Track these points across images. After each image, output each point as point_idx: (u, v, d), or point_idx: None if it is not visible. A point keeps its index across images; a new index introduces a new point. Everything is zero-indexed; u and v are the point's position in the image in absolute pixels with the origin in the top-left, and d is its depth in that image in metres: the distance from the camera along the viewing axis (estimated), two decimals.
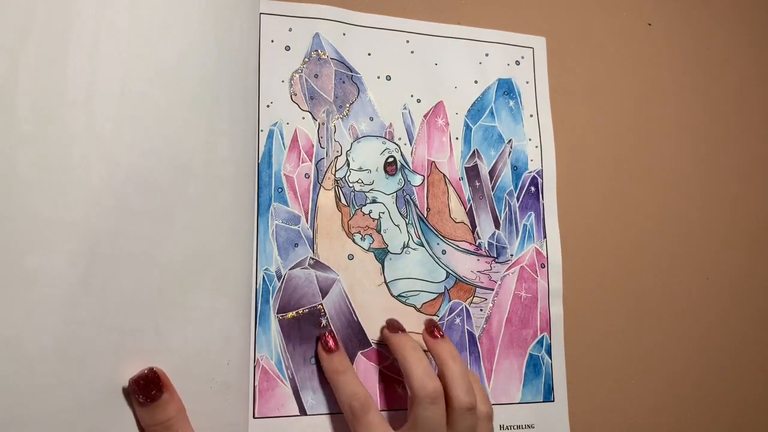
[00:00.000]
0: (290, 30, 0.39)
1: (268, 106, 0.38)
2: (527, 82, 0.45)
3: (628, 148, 0.47)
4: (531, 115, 0.44)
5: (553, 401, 0.40)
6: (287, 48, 0.39)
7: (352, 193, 0.39)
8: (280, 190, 0.37)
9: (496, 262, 0.41)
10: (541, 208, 0.43)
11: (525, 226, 0.42)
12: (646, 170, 0.47)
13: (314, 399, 0.35)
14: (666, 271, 0.46)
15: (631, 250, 0.45)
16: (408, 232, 0.40)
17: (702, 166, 0.48)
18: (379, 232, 0.39)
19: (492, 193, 0.42)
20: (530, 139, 0.44)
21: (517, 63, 0.45)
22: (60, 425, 0.26)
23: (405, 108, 0.41)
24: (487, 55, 0.44)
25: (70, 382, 0.26)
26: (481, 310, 0.40)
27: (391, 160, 0.40)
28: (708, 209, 0.48)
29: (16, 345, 0.25)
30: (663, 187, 0.47)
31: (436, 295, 0.40)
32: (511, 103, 0.44)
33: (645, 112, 0.48)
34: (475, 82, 0.43)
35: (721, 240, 0.47)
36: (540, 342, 0.41)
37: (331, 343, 0.35)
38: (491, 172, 0.42)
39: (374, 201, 0.39)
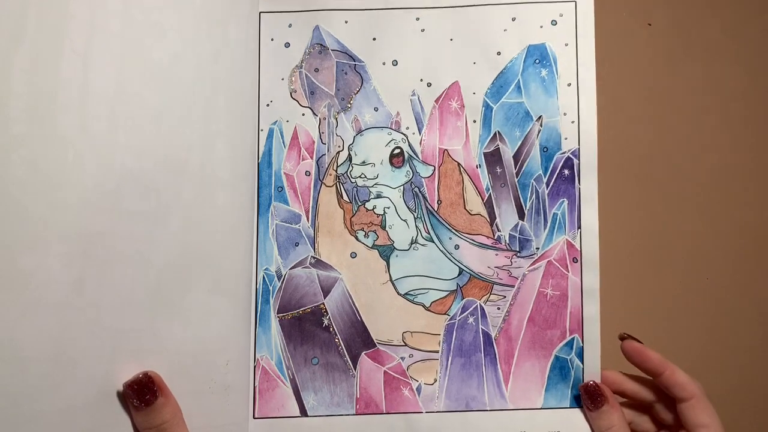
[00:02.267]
0: (290, 26, 0.39)
1: (267, 105, 0.39)
2: (566, 45, 0.39)
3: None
4: (569, 85, 0.39)
5: (582, 407, 0.37)
6: (287, 45, 0.39)
7: (355, 189, 0.39)
8: (280, 189, 0.39)
9: (518, 257, 0.38)
10: (577, 193, 0.39)
11: (555, 215, 0.39)
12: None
13: (315, 400, 0.37)
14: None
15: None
16: (416, 227, 0.39)
17: (702, 165, 0.41)
18: (383, 228, 0.39)
19: (516, 180, 0.39)
20: (565, 114, 0.39)
21: (554, 23, 0.40)
22: (55, 426, 0.28)
23: (414, 94, 0.39)
24: (513, 19, 0.40)
25: (65, 384, 0.29)
26: (499, 308, 0.38)
27: (397, 151, 0.39)
28: (708, 208, 0.40)
29: (10, 346, 0.27)
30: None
31: (446, 293, 0.38)
32: (544, 72, 0.39)
33: (648, 110, 0.41)
34: (498, 53, 0.40)
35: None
36: (569, 344, 0.38)
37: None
38: (516, 156, 0.39)
39: (379, 196, 0.39)
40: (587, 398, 0.36)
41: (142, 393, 0.30)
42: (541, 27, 0.40)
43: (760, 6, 0.45)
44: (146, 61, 0.32)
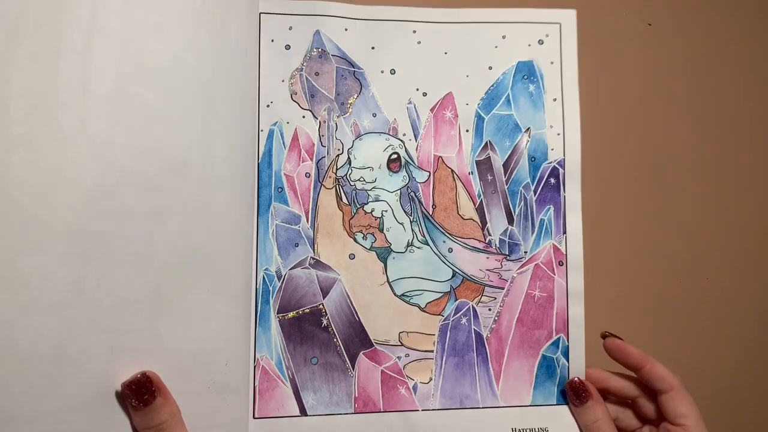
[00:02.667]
0: (290, 28, 0.40)
1: (268, 105, 0.39)
2: (552, 63, 0.42)
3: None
4: (554, 99, 0.42)
5: (568, 404, 0.39)
6: (287, 47, 0.40)
7: (354, 192, 0.40)
8: (280, 189, 0.39)
9: (508, 260, 0.40)
10: (562, 201, 0.41)
11: (542, 221, 0.41)
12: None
13: (315, 399, 0.37)
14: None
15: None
16: (412, 230, 0.40)
17: (701, 165, 0.45)
18: (381, 230, 0.40)
19: (506, 187, 0.41)
20: (552, 126, 0.42)
21: (541, 42, 0.43)
22: (53, 426, 0.28)
23: (410, 102, 0.41)
24: (504, 37, 0.42)
25: (64, 383, 0.28)
26: (490, 309, 0.40)
27: (394, 156, 0.40)
28: (708, 208, 0.44)
29: (9, 345, 0.27)
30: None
31: (441, 295, 0.40)
32: (532, 87, 0.42)
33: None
34: (490, 68, 0.42)
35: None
36: (555, 343, 0.40)
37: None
38: (506, 164, 0.41)
39: (377, 199, 0.40)
40: (573, 394, 0.38)
41: (140, 393, 0.30)
42: (529, 45, 0.42)
43: (761, 6, 0.48)
44: (146, 61, 0.33)
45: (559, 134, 0.42)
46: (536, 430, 0.39)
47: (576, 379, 0.39)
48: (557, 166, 0.41)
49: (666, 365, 0.36)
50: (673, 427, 0.36)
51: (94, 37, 0.31)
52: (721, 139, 0.46)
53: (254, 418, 0.36)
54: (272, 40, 0.40)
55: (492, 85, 0.42)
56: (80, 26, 0.30)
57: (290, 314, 0.38)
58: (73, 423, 0.29)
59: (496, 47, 0.42)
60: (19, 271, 0.28)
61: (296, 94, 0.40)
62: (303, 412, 0.37)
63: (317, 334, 0.38)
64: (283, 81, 0.40)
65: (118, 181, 0.31)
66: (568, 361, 0.40)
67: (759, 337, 0.44)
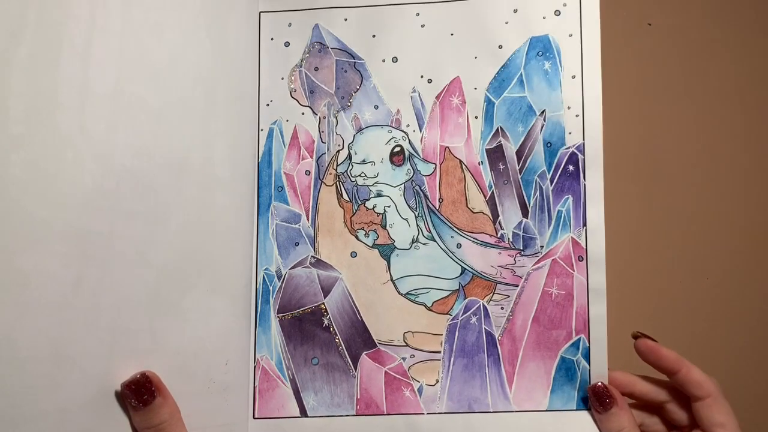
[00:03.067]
0: (290, 25, 0.39)
1: (267, 104, 0.39)
2: (570, 35, 0.39)
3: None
4: (573, 77, 0.38)
5: (590, 409, 0.36)
6: (287, 44, 0.39)
7: (355, 188, 0.39)
8: (280, 188, 0.39)
9: (522, 255, 0.38)
10: (582, 190, 0.38)
11: (560, 212, 0.38)
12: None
13: (315, 400, 0.37)
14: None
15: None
16: (417, 225, 0.38)
17: (702, 165, 0.39)
18: (384, 227, 0.38)
19: (519, 177, 0.38)
20: (569, 108, 0.38)
21: (557, 13, 0.39)
22: (53, 426, 0.29)
23: (414, 91, 0.39)
24: (515, 11, 0.39)
25: (63, 383, 0.29)
26: (503, 308, 0.37)
27: (397, 149, 0.39)
28: (708, 207, 0.39)
29: (8, 346, 0.28)
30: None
31: (449, 293, 0.38)
32: (547, 64, 0.39)
33: (650, 112, 0.40)
34: (500, 47, 0.39)
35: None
36: (575, 345, 0.37)
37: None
38: (519, 152, 0.38)
39: (379, 194, 0.39)
40: (595, 400, 0.35)
41: (139, 393, 0.30)
42: (544, 18, 0.39)
43: (760, 6, 0.44)
44: (146, 61, 0.33)
45: (578, 116, 0.38)
46: None
47: (599, 384, 0.36)
48: (576, 151, 0.38)
49: (708, 368, 0.33)
50: None
51: (94, 37, 0.31)
52: (723, 137, 0.41)
53: (254, 418, 0.37)
54: (272, 39, 0.39)
55: (503, 66, 0.39)
56: (80, 26, 0.31)
57: (290, 314, 0.38)
58: (72, 423, 0.29)
59: (506, 23, 0.39)
60: (19, 271, 0.28)
61: (295, 91, 0.39)
62: (303, 413, 0.37)
63: (318, 334, 0.37)
64: (282, 79, 0.39)
65: (118, 181, 0.31)
66: (589, 364, 0.37)
67: (759, 337, 0.39)
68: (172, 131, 0.34)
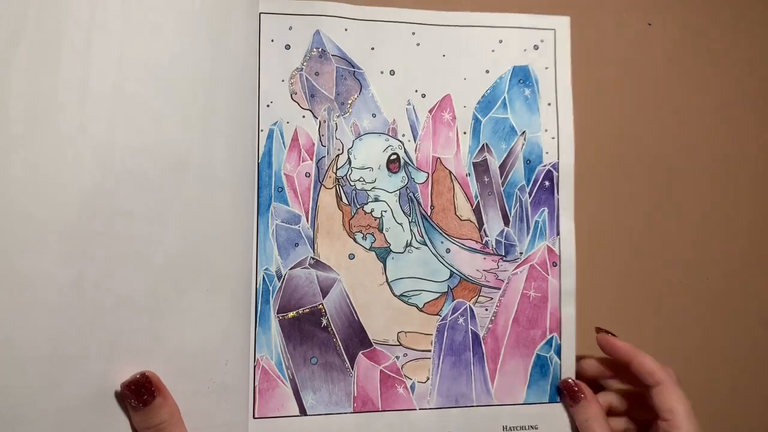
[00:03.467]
0: (290, 28, 0.40)
1: (268, 105, 0.39)
2: (546, 68, 0.43)
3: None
4: (549, 104, 0.43)
5: (559, 402, 0.40)
6: (287, 47, 0.40)
7: (354, 192, 0.40)
8: (280, 189, 0.39)
9: (504, 261, 0.41)
10: (556, 203, 0.42)
11: (537, 222, 0.42)
12: (653, 167, 0.45)
13: (315, 399, 0.38)
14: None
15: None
16: (411, 230, 0.41)
17: (701, 165, 0.46)
18: (381, 231, 0.40)
19: (502, 189, 0.42)
20: (546, 130, 0.43)
21: (536, 48, 0.44)
22: (53, 426, 0.28)
23: (409, 104, 0.41)
24: (500, 41, 0.43)
25: (63, 384, 0.28)
26: (487, 309, 0.41)
27: (394, 157, 0.41)
28: (709, 208, 0.46)
29: (8, 346, 0.27)
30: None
31: (438, 295, 0.40)
32: (527, 91, 0.43)
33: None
34: (487, 71, 0.43)
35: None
36: (549, 343, 0.41)
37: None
38: (502, 167, 0.42)
39: (376, 199, 0.40)
40: (566, 394, 0.39)
41: (139, 393, 0.30)
42: (525, 50, 0.43)
43: (760, 6, 0.48)
44: (146, 61, 0.32)
45: (553, 138, 0.43)
46: (527, 427, 0.40)
47: (569, 380, 0.40)
48: (551, 169, 0.43)
49: (660, 362, 0.37)
50: (662, 423, 0.37)
51: (94, 37, 0.31)
52: (721, 139, 0.47)
53: (254, 418, 0.36)
54: (272, 40, 0.40)
55: (489, 89, 0.43)
56: (80, 26, 0.30)
57: (290, 314, 0.38)
58: (72, 423, 0.29)
59: (492, 51, 0.43)
60: (18, 271, 0.27)
61: (296, 93, 0.40)
62: (303, 412, 0.37)
63: (317, 334, 0.38)
64: (283, 81, 0.40)
65: (118, 181, 0.31)
66: (560, 360, 0.41)
67: (759, 337, 0.46)
68: (172, 131, 0.33)
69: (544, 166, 0.42)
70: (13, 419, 0.27)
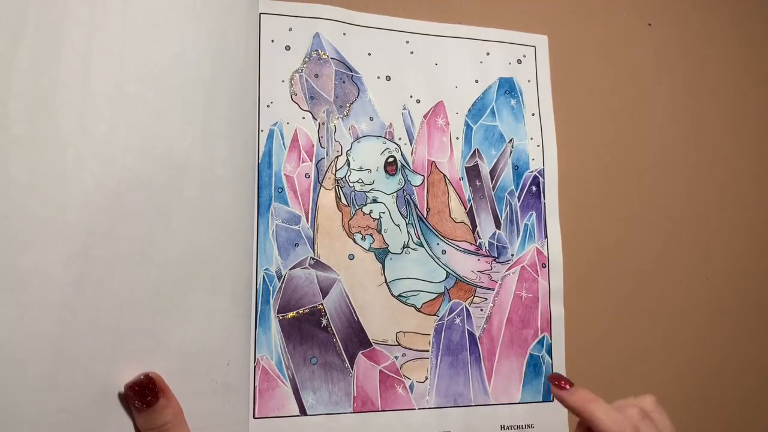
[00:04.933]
0: (290, 30, 0.41)
1: (268, 106, 0.40)
2: (529, 81, 0.46)
3: (629, 148, 0.48)
4: (533, 114, 0.46)
5: (553, 401, 0.42)
6: (287, 48, 0.41)
7: (353, 193, 0.41)
8: (280, 190, 0.39)
9: (497, 262, 0.43)
10: (543, 207, 0.44)
11: (526, 225, 0.44)
12: (646, 169, 0.48)
13: (314, 399, 0.37)
14: (668, 272, 0.47)
15: (633, 250, 0.46)
16: (408, 232, 0.41)
17: (702, 165, 0.50)
18: (379, 232, 0.41)
19: (493, 193, 0.44)
20: (532, 138, 0.45)
21: (519, 62, 0.46)
22: (55, 427, 0.27)
23: (405, 108, 0.43)
24: (488, 54, 0.45)
25: (65, 384, 0.27)
26: (482, 309, 0.42)
27: (391, 160, 0.42)
28: (710, 208, 0.49)
29: (10, 347, 0.26)
30: (663, 186, 0.49)
31: (436, 295, 0.41)
32: (513, 102, 0.45)
33: (644, 112, 0.50)
34: (476, 81, 0.45)
35: (721, 239, 0.49)
36: (540, 342, 0.42)
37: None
38: (492, 172, 0.44)
39: (375, 201, 0.41)
40: (554, 386, 0.39)
41: (143, 394, 0.29)
42: (509, 63, 0.46)
43: (761, 6, 0.51)
44: (146, 61, 0.32)
45: (538, 146, 0.45)
46: (523, 426, 0.41)
47: (554, 374, 0.39)
48: (538, 174, 0.45)
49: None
50: None
51: (94, 37, 0.31)
52: (718, 138, 0.50)
53: (254, 417, 0.36)
54: (272, 41, 0.40)
55: (479, 97, 0.45)
56: (80, 26, 0.30)
57: (290, 314, 0.38)
58: (75, 424, 0.28)
59: (481, 62, 0.45)
60: (20, 271, 0.27)
61: (296, 95, 0.40)
62: (303, 411, 0.37)
63: (317, 334, 0.38)
64: (283, 81, 0.40)
65: (119, 182, 0.30)
66: (551, 358, 0.42)
67: (757, 336, 0.48)
68: (173, 131, 0.33)
69: (531, 171, 0.45)
70: (15, 419, 0.26)
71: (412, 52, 0.44)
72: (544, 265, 0.43)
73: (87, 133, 0.29)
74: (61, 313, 0.28)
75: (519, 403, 0.41)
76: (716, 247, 0.49)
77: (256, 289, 0.37)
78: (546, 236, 0.44)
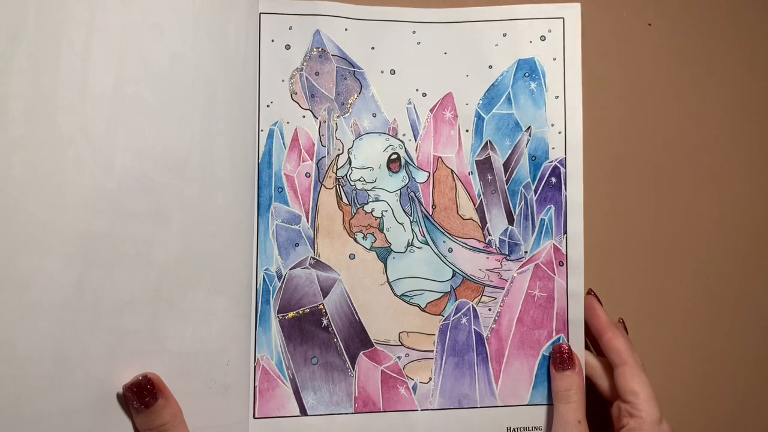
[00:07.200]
0: (290, 28, 0.41)
1: (268, 105, 0.40)
2: (554, 59, 0.43)
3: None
4: (556, 97, 0.43)
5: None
6: (287, 47, 0.41)
7: (354, 192, 0.41)
8: (280, 189, 0.40)
9: (508, 260, 0.41)
10: (563, 200, 0.42)
11: (542, 220, 0.42)
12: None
13: (315, 399, 0.38)
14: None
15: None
16: (412, 230, 0.41)
17: (702, 165, 0.45)
18: (381, 230, 0.41)
19: (506, 187, 0.42)
20: (553, 125, 0.42)
21: (543, 38, 0.43)
22: (55, 428, 0.29)
23: (410, 103, 0.42)
24: (504, 35, 0.43)
25: (65, 385, 0.29)
26: (490, 309, 0.41)
27: (394, 156, 0.41)
28: (709, 208, 0.45)
29: (10, 347, 0.28)
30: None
31: (441, 294, 0.41)
32: (533, 85, 0.43)
33: (645, 112, 0.45)
34: (490, 67, 0.43)
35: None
36: (555, 343, 0.41)
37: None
38: (506, 164, 0.42)
39: (377, 199, 0.41)
40: (557, 359, 0.39)
41: (141, 395, 0.31)
42: (531, 42, 0.43)
43: (761, 6, 0.48)
44: (146, 61, 0.33)
45: (560, 132, 0.42)
46: (531, 428, 0.40)
47: (565, 345, 0.40)
48: (558, 165, 0.42)
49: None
50: (623, 405, 0.37)
51: (94, 37, 0.31)
52: (723, 138, 0.46)
53: (254, 418, 0.37)
54: (272, 40, 0.41)
55: (492, 85, 0.43)
56: (80, 26, 0.31)
57: (290, 314, 0.39)
58: (74, 425, 0.29)
59: (496, 45, 0.43)
60: (20, 272, 0.28)
61: (296, 93, 0.41)
62: (303, 412, 0.38)
63: (317, 334, 0.39)
64: (283, 81, 0.41)
65: (119, 182, 0.32)
66: None
67: (759, 337, 0.45)
68: (173, 131, 0.34)
69: (551, 162, 0.42)
70: (15, 420, 0.28)
71: (419, 43, 0.42)
72: (561, 263, 0.41)
73: (86, 134, 0.31)
74: (60, 313, 0.29)
75: (527, 405, 0.40)
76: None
77: (256, 289, 0.39)
78: (565, 232, 0.41)
